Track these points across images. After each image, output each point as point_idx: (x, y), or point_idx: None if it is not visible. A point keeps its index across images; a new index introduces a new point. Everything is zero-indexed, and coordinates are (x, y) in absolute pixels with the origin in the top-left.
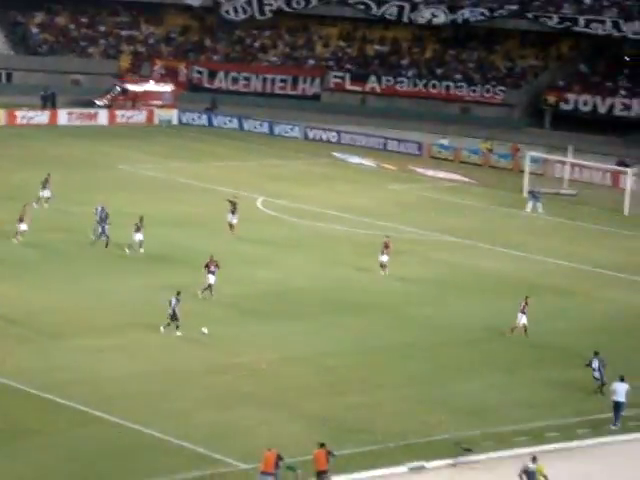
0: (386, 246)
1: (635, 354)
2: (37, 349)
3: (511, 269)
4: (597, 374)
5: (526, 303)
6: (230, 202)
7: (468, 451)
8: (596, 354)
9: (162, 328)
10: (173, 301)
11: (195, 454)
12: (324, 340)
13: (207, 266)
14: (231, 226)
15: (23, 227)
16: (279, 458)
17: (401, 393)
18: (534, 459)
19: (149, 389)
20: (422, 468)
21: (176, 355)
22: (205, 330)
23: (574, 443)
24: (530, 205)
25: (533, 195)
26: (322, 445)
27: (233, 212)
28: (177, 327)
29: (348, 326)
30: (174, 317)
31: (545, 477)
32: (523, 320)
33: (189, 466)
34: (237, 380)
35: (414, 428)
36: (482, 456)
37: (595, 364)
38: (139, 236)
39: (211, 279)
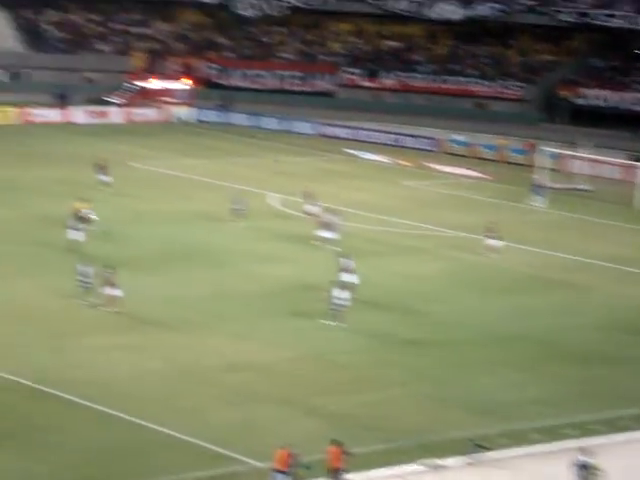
0: (491, 230)
1: None
2: (53, 347)
3: (524, 265)
4: None
5: None
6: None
7: (484, 449)
8: None
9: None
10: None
11: (210, 452)
12: (337, 337)
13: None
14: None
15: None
16: (292, 456)
17: (415, 390)
18: (586, 452)
19: (164, 387)
20: (438, 466)
21: (191, 354)
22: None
23: (591, 440)
24: (538, 200)
25: (537, 189)
26: (336, 442)
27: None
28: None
29: (361, 323)
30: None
31: (601, 471)
32: None
33: (204, 464)
34: (252, 378)
35: (429, 426)
36: (498, 454)
37: None
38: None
39: (352, 278)
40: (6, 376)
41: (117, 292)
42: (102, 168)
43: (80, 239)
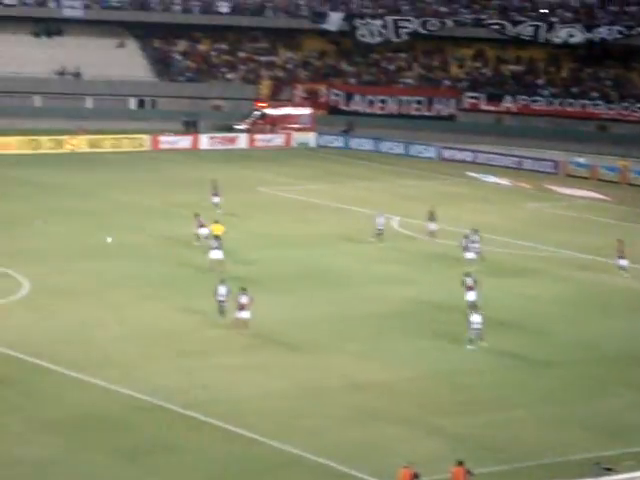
0: (620, 249)
1: None
2: (181, 366)
3: None
4: None
5: None
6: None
7: (609, 471)
8: None
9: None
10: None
11: (334, 471)
12: (459, 357)
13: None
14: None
15: (203, 231)
16: (415, 476)
17: (538, 411)
18: None
19: (289, 406)
20: None
21: (315, 373)
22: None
23: None
24: None
25: None
26: (460, 463)
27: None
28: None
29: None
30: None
31: None
32: None
33: None
34: (374, 397)
35: (552, 447)
36: (623, 476)
37: None
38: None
39: (474, 297)
40: (135, 395)
41: (246, 314)
42: (214, 190)
43: (220, 257)
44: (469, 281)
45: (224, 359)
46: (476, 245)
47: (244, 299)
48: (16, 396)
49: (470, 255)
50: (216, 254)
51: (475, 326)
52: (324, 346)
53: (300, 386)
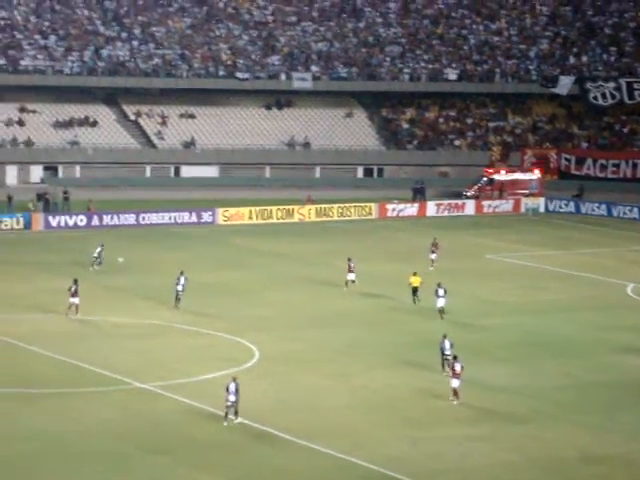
0: None
1: None
2: (408, 436)
3: None
4: None
5: None
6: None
7: None
8: None
9: None
10: None
11: None
12: None
13: None
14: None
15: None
16: None
17: None
18: None
19: (521, 479)
20: None
21: (544, 444)
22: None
23: None
24: None
25: None
26: None
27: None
28: None
29: None
30: None
31: None
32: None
33: None
34: (612, 471)
35: None
36: None
37: None
38: None
39: None
40: (365, 464)
41: (457, 383)
42: (434, 247)
43: (442, 305)
44: None
45: (450, 429)
46: None
47: (457, 367)
48: (242, 466)
49: None
50: (441, 302)
51: None
52: (554, 417)
53: (532, 458)
